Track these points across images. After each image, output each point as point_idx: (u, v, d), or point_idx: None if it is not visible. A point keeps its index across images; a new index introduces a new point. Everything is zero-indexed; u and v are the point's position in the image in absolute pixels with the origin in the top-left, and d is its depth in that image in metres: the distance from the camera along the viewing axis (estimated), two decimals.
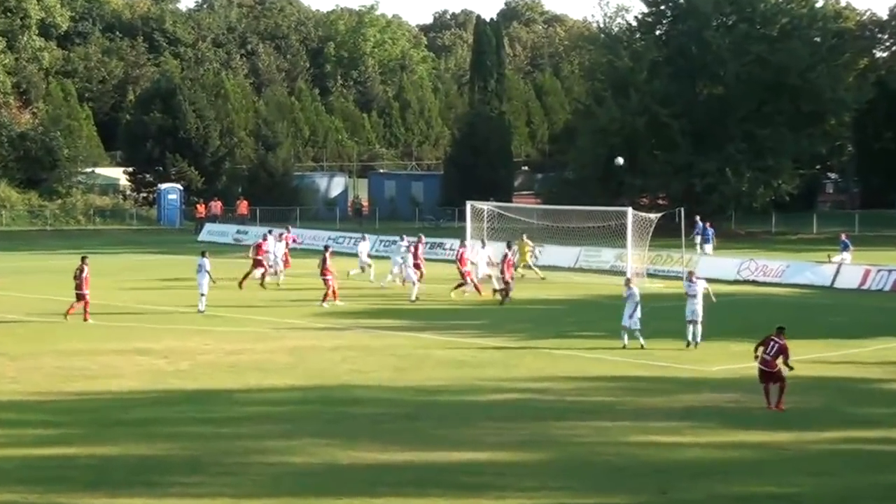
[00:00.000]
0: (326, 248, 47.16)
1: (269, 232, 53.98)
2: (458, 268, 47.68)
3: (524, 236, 55.70)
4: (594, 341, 35.95)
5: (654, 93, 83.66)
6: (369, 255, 54.75)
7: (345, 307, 43.37)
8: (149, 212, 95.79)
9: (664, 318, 38.14)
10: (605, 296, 46.83)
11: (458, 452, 22.31)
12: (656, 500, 19.79)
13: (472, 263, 48.52)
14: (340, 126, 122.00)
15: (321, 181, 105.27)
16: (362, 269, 52.90)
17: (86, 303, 39.36)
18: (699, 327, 33.95)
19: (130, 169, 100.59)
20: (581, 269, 57.53)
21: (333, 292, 43.96)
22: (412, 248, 49.80)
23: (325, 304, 43.28)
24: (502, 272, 46.09)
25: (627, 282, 35.58)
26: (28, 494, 19.29)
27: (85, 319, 38.94)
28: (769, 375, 26.15)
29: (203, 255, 42.62)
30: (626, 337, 33.83)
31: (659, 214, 56.46)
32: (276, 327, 38.46)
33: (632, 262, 52.23)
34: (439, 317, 41.33)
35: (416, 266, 48.31)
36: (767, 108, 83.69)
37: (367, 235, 60.05)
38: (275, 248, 51.46)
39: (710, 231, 63.73)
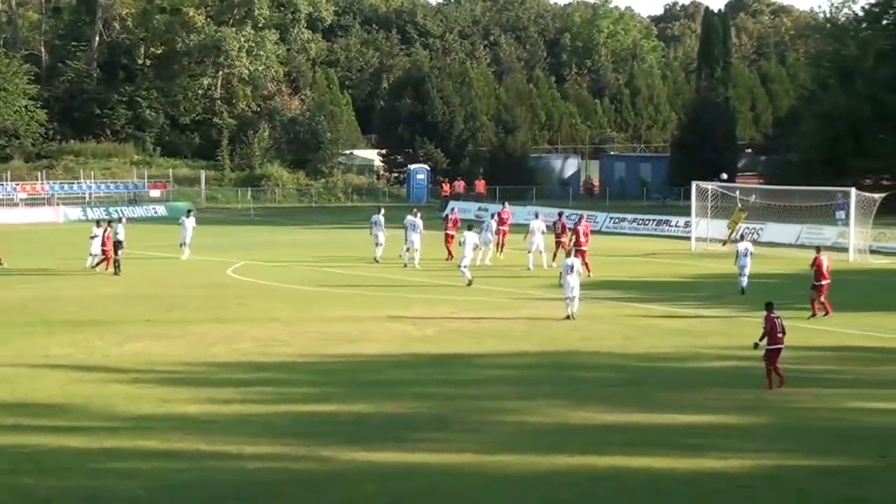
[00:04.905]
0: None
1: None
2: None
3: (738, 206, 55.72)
4: None
5: (880, 80, 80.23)
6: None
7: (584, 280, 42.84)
8: (399, 190, 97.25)
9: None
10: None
11: (681, 415, 22.06)
12: (875, 463, 19.24)
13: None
14: (574, 111, 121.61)
15: (556, 162, 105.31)
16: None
17: (107, 259, 44.70)
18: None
19: (384, 151, 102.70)
20: (802, 246, 55.01)
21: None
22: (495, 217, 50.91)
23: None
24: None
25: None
26: (297, 447, 19.90)
27: (107, 269, 44.45)
28: None
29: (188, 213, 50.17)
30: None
31: (883, 194, 54.27)
32: (515, 298, 38.42)
33: (854, 239, 50.55)
34: (665, 289, 40.61)
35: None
36: None
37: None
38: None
39: None
